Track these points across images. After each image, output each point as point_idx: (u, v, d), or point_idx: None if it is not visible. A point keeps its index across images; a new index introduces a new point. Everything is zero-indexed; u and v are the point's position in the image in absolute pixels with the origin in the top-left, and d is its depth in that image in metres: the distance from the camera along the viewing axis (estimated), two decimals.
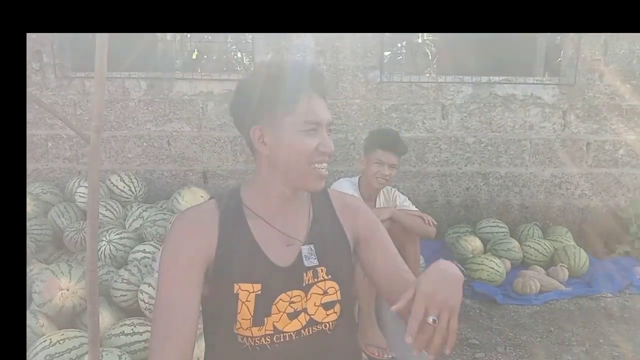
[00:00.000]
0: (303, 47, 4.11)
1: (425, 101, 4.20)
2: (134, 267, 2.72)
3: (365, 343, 2.65)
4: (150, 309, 2.48)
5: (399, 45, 9.31)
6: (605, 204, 4.33)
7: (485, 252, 3.85)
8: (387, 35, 4.49)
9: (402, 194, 3.05)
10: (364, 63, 4.15)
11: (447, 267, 1.02)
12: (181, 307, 1.05)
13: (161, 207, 3.52)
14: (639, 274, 3.66)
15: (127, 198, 3.80)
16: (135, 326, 2.38)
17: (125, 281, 2.65)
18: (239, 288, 1.09)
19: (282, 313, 1.11)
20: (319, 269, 1.16)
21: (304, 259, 1.15)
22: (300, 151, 1.10)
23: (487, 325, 3.07)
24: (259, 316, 1.10)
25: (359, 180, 2.91)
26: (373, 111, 4.19)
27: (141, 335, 2.35)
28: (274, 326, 1.11)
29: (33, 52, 4.02)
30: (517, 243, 3.87)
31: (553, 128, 4.24)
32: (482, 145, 4.26)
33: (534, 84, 4.22)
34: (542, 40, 5.97)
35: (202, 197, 3.38)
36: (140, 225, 3.21)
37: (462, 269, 3.18)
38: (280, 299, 1.11)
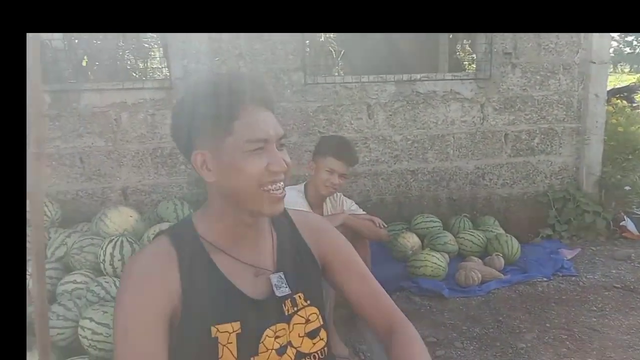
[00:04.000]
0: (220, 51, 3.91)
1: (351, 101, 4.15)
2: (69, 302, 2.39)
3: None
4: (95, 346, 2.20)
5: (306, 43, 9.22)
6: (525, 191, 4.53)
7: (423, 247, 3.86)
8: (308, 35, 4.37)
9: (348, 198, 2.96)
10: (286, 65, 4.02)
11: None
12: None
13: (85, 231, 3.14)
14: (565, 255, 3.86)
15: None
16: None
17: (61, 318, 2.33)
18: (217, 330, 0.99)
19: (270, 350, 1.04)
20: (296, 297, 1.10)
21: (275, 288, 1.07)
22: (247, 175, 0.98)
23: (440, 321, 3.06)
24: (244, 357, 1.00)
25: (305, 186, 2.77)
26: (300, 113, 4.07)
27: None
28: None
29: None
30: (452, 236, 3.93)
31: (473, 122, 4.36)
32: (408, 142, 4.29)
33: (452, 79, 4.33)
34: (444, 36, 6.18)
35: (131, 216, 3.05)
36: (65, 253, 2.83)
37: None
38: (267, 336, 1.03)
